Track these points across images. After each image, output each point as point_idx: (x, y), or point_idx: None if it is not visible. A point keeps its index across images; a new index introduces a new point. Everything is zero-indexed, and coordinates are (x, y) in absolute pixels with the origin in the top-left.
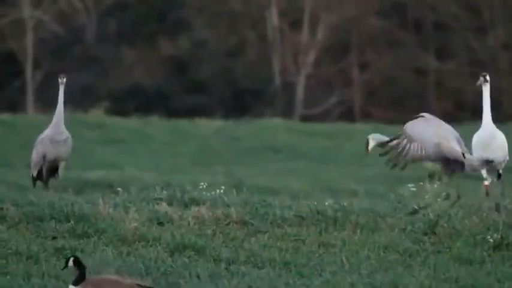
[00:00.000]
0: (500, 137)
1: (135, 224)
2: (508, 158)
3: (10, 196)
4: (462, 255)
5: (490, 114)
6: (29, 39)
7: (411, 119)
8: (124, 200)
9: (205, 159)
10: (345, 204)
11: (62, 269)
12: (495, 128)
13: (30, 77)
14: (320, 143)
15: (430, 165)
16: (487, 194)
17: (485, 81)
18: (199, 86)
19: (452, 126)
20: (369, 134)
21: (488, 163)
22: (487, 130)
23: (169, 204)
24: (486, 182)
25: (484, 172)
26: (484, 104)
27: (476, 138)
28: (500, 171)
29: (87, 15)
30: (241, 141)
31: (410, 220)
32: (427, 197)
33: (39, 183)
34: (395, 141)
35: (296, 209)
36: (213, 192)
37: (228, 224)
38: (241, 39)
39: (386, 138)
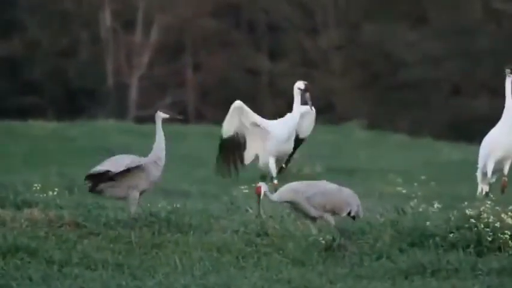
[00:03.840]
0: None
1: None
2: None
3: None
4: (294, 257)
5: None
6: None
7: None
8: None
9: (38, 161)
10: (178, 205)
11: None
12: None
13: None
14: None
15: (263, 167)
16: None
17: None
18: (31, 87)
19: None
20: (201, 135)
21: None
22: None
23: (2, 206)
24: None
25: None
26: None
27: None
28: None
29: None
30: (75, 142)
31: (243, 221)
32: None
33: None
34: None
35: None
36: (46, 194)
37: (60, 226)
38: (73, 40)
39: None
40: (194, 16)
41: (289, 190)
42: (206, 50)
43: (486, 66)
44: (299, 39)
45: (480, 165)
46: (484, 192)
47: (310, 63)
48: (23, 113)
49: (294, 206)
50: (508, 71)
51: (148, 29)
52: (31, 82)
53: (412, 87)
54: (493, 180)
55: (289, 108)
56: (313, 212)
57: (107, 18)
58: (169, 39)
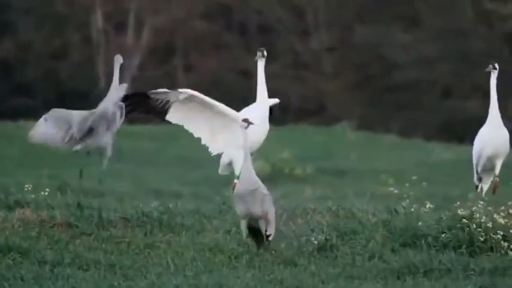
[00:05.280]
0: None
1: None
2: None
3: None
4: (287, 257)
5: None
6: None
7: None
8: None
9: (30, 162)
10: (170, 206)
11: None
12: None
13: None
14: (145, 145)
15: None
16: None
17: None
18: (24, 89)
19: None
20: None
21: None
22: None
23: None
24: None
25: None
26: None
27: None
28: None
29: None
30: None
31: (235, 222)
32: None
33: None
34: None
35: (121, 211)
36: (38, 194)
37: (52, 226)
38: (66, 42)
39: None
40: (185, 18)
41: (255, 180)
42: (198, 51)
43: (479, 68)
44: (291, 41)
45: (474, 162)
46: (479, 190)
47: (301, 65)
48: (16, 115)
49: (246, 198)
50: (490, 66)
51: (140, 31)
52: (24, 84)
53: (405, 89)
54: (488, 181)
55: (279, 110)
56: (260, 211)
57: (98, 20)
58: (160, 41)
